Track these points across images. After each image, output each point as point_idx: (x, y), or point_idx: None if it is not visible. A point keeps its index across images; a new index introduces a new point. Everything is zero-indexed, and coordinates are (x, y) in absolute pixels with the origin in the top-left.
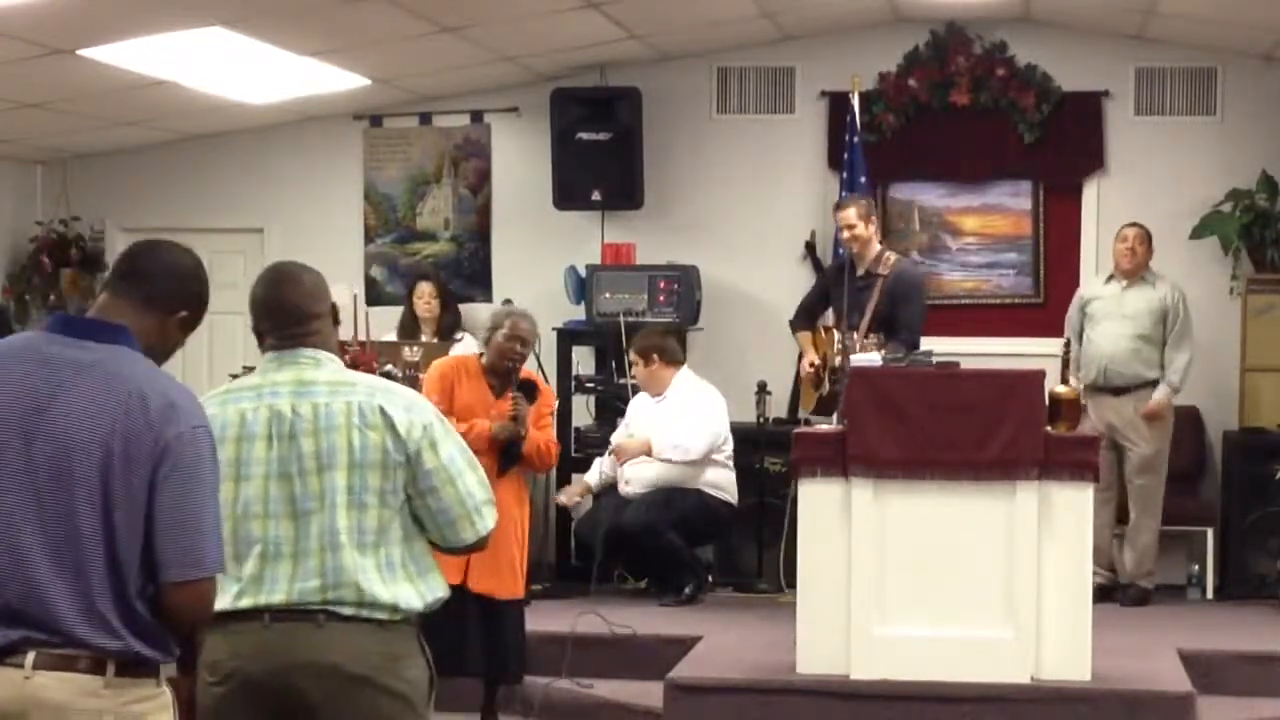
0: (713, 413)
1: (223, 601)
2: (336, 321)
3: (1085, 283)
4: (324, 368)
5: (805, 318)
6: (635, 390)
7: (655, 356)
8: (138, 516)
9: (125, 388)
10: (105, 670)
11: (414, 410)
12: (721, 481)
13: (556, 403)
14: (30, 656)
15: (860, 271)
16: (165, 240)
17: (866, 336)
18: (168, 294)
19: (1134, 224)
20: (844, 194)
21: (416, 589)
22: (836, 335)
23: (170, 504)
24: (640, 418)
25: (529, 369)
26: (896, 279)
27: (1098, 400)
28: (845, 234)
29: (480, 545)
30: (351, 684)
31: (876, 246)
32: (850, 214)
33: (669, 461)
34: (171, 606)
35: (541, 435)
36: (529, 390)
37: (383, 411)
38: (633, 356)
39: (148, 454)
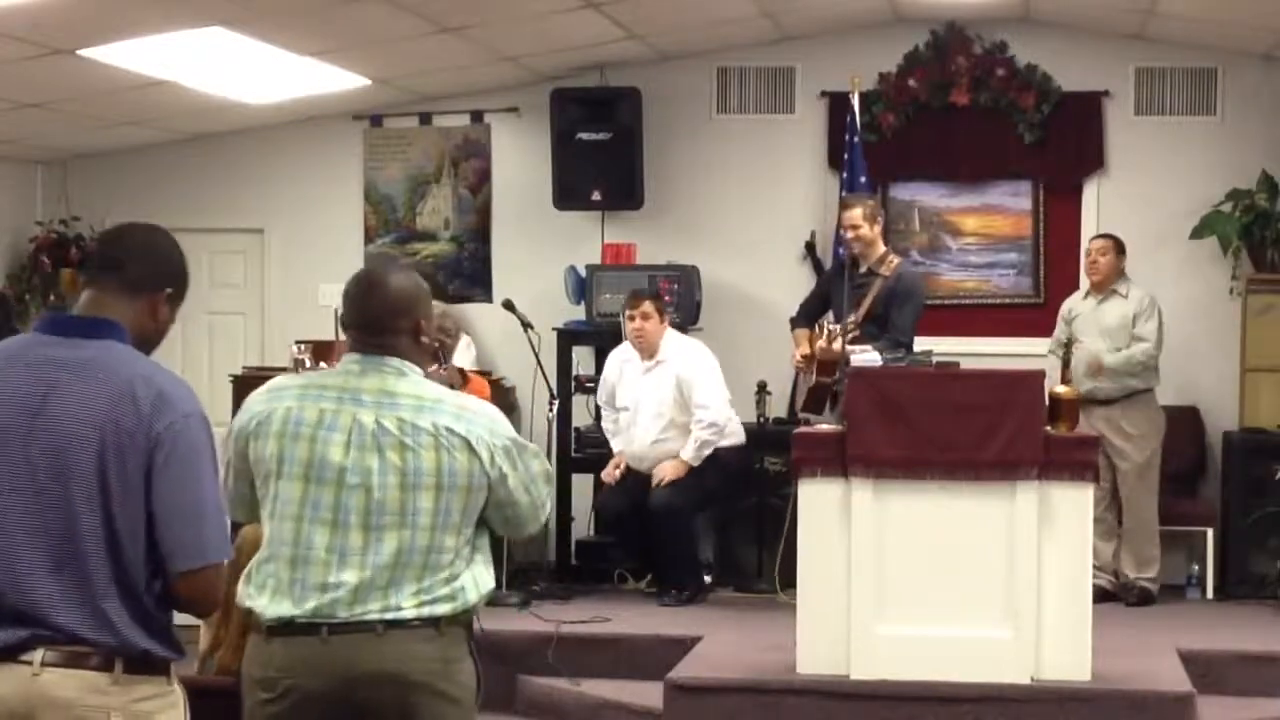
0: (717, 373)
1: (282, 607)
2: (419, 334)
3: (1071, 296)
4: (407, 379)
5: (804, 318)
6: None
7: (664, 312)
8: (138, 511)
9: (116, 383)
10: (114, 667)
11: (495, 433)
12: (728, 429)
13: (489, 392)
14: (38, 654)
15: (862, 269)
16: (135, 223)
17: (857, 329)
18: (151, 274)
19: (1101, 235)
20: (844, 193)
21: (475, 584)
22: (829, 328)
23: (168, 494)
24: (630, 381)
25: (463, 365)
26: (897, 280)
27: (1086, 411)
28: (849, 234)
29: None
30: (413, 691)
31: (881, 247)
32: (856, 214)
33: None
34: (181, 596)
35: None
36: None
37: (468, 435)
38: (647, 309)
39: (141, 447)
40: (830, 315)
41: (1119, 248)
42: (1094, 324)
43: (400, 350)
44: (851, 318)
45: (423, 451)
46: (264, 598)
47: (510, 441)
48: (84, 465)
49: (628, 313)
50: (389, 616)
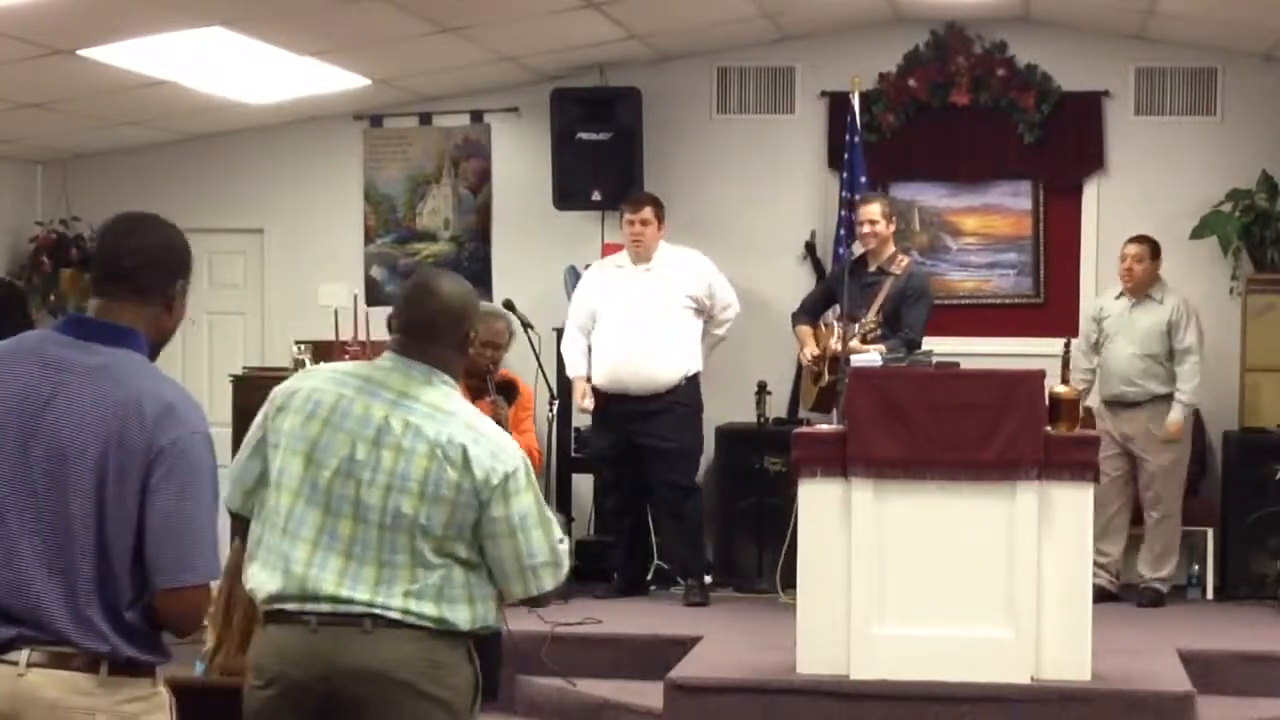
0: (716, 269)
1: (273, 583)
2: (464, 345)
3: (1099, 294)
4: (433, 388)
5: (807, 315)
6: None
7: (663, 220)
8: (129, 524)
9: (124, 393)
10: (99, 669)
11: (499, 458)
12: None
13: (535, 403)
14: (24, 654)
15: (872, 268)
16: (132, 220)
17: (878, 327)
18: (160, 277)
19: (1136, 239)
20: (844, 193)
21: (471, 612)
22: (837, 326)
23: (163, 510)
24: (628, 286)
25: (507, 369)
26: (909, 279)
27: (1114, 413)
28: (866, 228)
29: (535, 603)
30: (395, 690)
31: (892, 246)
32: (874, 209)
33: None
34: (163, 612)
35: (523, 440)
36: (508, 392)
37: (465, 452)
38: (647, 214)
39: (141, 460)
40: (835, 310)
41: (1154, 251)
42: (1125, 328)
43: (436, 358)
44: (871, 315)
45: (415, 458)
46: (261, 571)
47: (507, 475)
48: (81, 474)
49: (627, 216)
50: (376, 612)
